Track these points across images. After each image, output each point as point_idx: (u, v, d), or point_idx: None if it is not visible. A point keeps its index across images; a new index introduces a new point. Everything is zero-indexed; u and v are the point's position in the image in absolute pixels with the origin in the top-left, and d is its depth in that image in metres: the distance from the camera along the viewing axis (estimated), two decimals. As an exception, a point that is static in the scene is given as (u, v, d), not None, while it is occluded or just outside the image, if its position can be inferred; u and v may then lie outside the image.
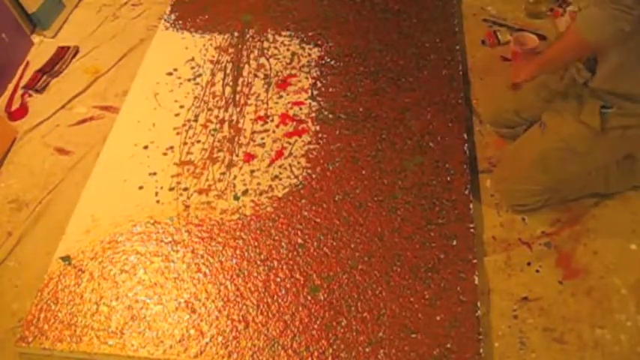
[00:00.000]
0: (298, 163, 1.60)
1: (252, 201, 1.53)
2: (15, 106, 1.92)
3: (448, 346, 1.23)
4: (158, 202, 1.55)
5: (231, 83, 1.85)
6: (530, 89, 1.48)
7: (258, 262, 1.40)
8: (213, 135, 1.70)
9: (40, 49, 2.11)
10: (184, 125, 1.73)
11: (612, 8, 1.10)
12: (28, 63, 2.07)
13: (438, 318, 1.28)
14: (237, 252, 1.43)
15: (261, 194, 1.54)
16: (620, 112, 1.27)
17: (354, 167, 1.58)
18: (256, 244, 1.44)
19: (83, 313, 1.35)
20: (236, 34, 2.02)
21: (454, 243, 1.40)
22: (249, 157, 1.63)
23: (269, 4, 2.11)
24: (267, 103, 1.77)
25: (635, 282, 1.34)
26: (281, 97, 1.78)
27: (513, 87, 1.47)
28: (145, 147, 1.69)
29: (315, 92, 1.79)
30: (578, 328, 1.28)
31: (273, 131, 1.69)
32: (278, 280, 1.37)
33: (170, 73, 1.90)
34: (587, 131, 1.31)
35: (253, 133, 1.69)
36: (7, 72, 2.01)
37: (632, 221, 1.45)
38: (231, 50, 1.96)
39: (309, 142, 1.65)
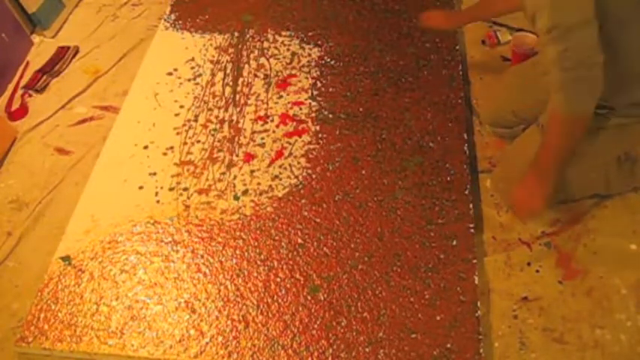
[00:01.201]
0: (298, 163, 1.60)
1: (252, 201, 1.53)
2: (15, 106, 1.92)
3: (448, 346, 1.23)
4: (158, 202, 1.55)
5: (231, 83, 1.85)
6: (528, 90, 1.49)
7: (258, 262, 1.40)
8: (213, 135, 1.70)
9: (40, 49, 2.11)
10: (184, 125, 1.73)
11: (576, 69, 1.09)
12: (28, 63, 2.07)
13: (438, 318, 1.28)
14: (237, 252, 1.43)
15: (261, 194, 1.54)
16: (614, 113, 1.27)
17: (354, 167, 1.58)
18: (256, 244, 1.44)
19: (83, 313, 1.35)
20: (236, 34, 2.02)
21: (454, 243, 1.40)
22: (249, 157, 1.63)
23: (269, 4, 2.12)
24: (267, 103, 1.77)
25: (635, 282, 1.34)
26: (281, 97, 1.79)
27: (525, 220, 1.39)
28: (145, 147, 1.69)
29: (315, 92, 1.79)
30: (578, 328, 1.28)
31: (273, 131, 1.69)
32: (278, 280, 1.37)
33: (170, 73, 1.90)
34: None
35: (253, 133, 1.69)
36: (7, 72, 2.01)
37: (632, 221, 1.45)
38: (231, 50, 1.96)
39: (309, 142, 1.65)
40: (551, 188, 1.28)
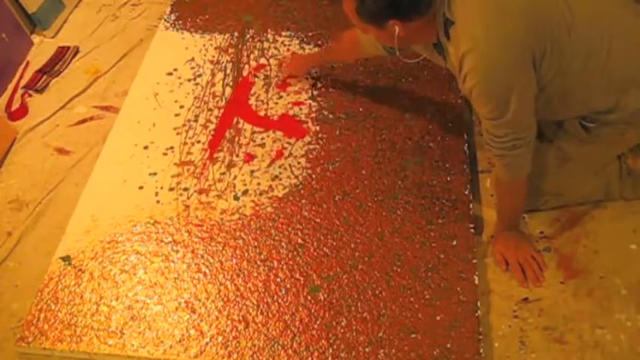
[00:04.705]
0: (298, 163, 1.60)
1: (252, 201, 1.53)
2: (15, 106, 1.92)
3: (448, 346, 1.23)
4: (158, 202, 1.55)
5: (231, 83, 1.85)
6: None
7: (258, 262, 1.40)
8: (213, 135, 1.70)
9: (40, 49, 2.11)
10: (184, 125, 1.73)
11: (514, 149, 1.17)
12: (28, 63, 2.07)
13: (438, 318, 1.28)
14: (237, 252, 1.43)
15: (261, 194, 1.54)
16: (604, 123, 1.26)
17: (354, 167, 1.58)
18: (256, 244, 1.44)
19: (83, 313, 1.35)
20: (236, 34, 2.02)
21: (454, 243, 1.40)
22: (249, 158, 1.63)
23: (269, 4, 2.12)
24: (267, 104, 1.77)
25: (635, 282, 1.34)
26: (281, 97, 1.78)
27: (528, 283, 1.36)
28: (145, 147, 1.69)
29: (315, 92, 1.79)
30: (578, 328, 1.28)
31: (273, 131, 1.69)
32: (278, 280, 1.37)
33: (170, 73, 1.90)
34: (577, 140, 1.32)
35: (253, 133, 1.69)
36: (7, 72, 2.01)
37: (632, 221, 1.45)
38: (231, 50, 1.96)
39: (309, 142, 1.65)
40: (523, 234, 1.40)
